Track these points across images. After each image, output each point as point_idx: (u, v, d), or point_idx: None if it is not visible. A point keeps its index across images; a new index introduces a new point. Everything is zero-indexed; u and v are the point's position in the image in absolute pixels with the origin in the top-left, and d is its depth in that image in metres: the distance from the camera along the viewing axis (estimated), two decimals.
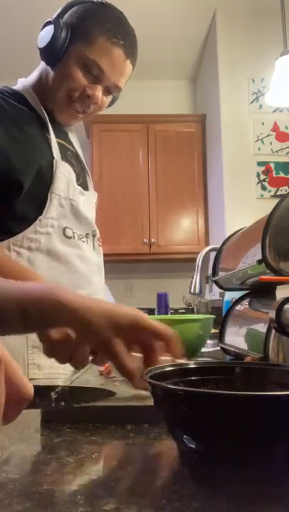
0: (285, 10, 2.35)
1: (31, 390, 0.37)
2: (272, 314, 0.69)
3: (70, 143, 1.19)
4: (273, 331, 0.76)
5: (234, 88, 3.31)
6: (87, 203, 1.14)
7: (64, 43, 1.02)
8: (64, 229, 1.04)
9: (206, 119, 3.85)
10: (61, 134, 1.13)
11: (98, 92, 1.06)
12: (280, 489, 0.36)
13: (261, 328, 0.88)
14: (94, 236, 1.13)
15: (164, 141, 3.88)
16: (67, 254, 1.03)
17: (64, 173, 1.05)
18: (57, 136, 1.09)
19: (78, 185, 1.11)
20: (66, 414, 0.57)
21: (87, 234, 1.11)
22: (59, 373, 0.98)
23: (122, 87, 1.11)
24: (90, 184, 1.22)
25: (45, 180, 1.01)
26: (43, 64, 1.09)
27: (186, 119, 4.01)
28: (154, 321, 0.54)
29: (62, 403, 0.52)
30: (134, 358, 0.53)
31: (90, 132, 3.88)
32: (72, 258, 1.04)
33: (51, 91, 1.07)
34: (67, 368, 0.96)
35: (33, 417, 0.61)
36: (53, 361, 0.57)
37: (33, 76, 1.12)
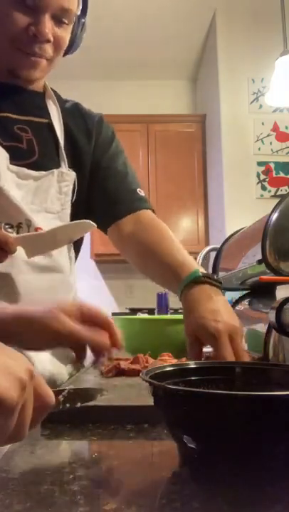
0: (285, 10, 2.36)
1: (53, 399, 0.41)
2: (272, 314, 0.69)
3: (33, 113, 0.99)
4: (273, 331, 0.76)
5: (234, 88, 3.32)
6: (37, 186, 0.94)
7: None
8: None
9: (206, 119, 3.86)
10: (11, 104, 0.96)
11: (44, 25, 0.86)
12: (280, 489, 0.36)
13: (261, 328, 0.88)
14: (29, 227, 0.91)
15: (164, 141, 3.88)
16: None
17: None
18: None
19: (25, 165, 0.92)
20: (66, 414, 0.57)
21: (19, 223, 0.90)
22: None
23: (75, 10, 0.91)
24: (64, 162, 0.99)
25: None
26: None
27: (186, 119, 4.01)
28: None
29: (68, 405, 0.53)
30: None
31: None
32: None
33: None
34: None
35: None
36: None
37: None
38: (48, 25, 0.86)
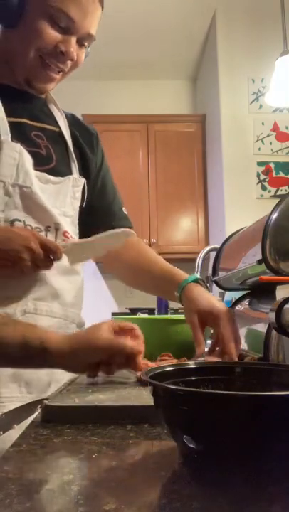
0: (285, 10, 2.35)
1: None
2: (272, 315, 0.69)
3: (46, 120, 1.04)
4: (273, 331, 0.76)
5: (234, 88, 3.32)
6: (57, 190, 0.98)
7: None
8: (12, 222, 0.89)
9: (206, 119, 3.86)
10: (27, 111, 1.00)
11: (72, 46, 0.93)
12: (280, 489, 0.36)
13: (261, 328, 0.88)
14: (57, 230, 0.96)
15: (164, 141, 3.88)
16: None
17: (11, 155, 0.90)
18: (15, 115, 0.96)
19: (45, 170, 0.96)
20: (66, 414, 0.58)
21: (48, 227, 0.94)
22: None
23: (95, 35, 0.97)
24: (75, 169, 1.05)
25: None
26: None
27: (186, 119, 4.01)
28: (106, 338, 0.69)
29: (1, 432, 0.56)
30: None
31: None
32: None
33: (19, 57, 0.94)
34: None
35: (33, 416, 0.61)
36: None
37: None
38: (74, 46, 0.94)
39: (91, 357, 0.69)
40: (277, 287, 0.81)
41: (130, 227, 1.16)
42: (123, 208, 1.18)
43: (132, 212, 1.24)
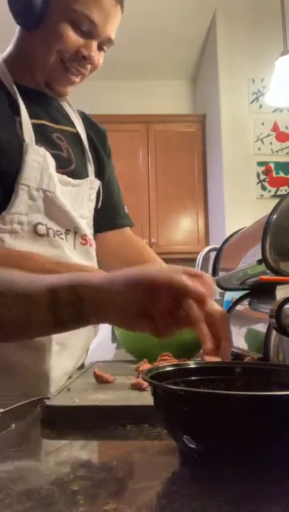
0: (285, 10, 2.35)
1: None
2: (272, 314, 0.69)
3: (63, 122, 1.04)
4: (273, 331, 0.76)
5: (234, 88, 3.32)
6: (76, 193, 0.99)
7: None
8: (36, 225, 0.90)
9: (206, 119, 3.85)
10: (46, 113, 1.00)
11: (94, 50, 0.93)
12: (280, 489, 0.36)
13: (261, 328, 0.88)
14: (76, 233, 0.97)
15: (164, 141, 3.88)
16: None
17: (36, 159, 0.89)
18: (36, 117, 0.95)
19: (65, 172, 0.96)
20: (66, 414, 0.57)
21: (67, 230, 0.95)
22: None
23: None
24: (91, 170, 1.05)
25: (9, 168, 0.88)
26: (19, 32, 0.95)
27: (186, 119, 4.01)
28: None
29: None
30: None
31: None
32: None
33: (40, 59, 0.93)
34: None
35: (33, 416, 0.61)
36: None
37: (7, 50, 0.97)
38: (96, 51, 0.94)
39: (146, 291, 0.50)
40: (277, 287, 0.81)
41: (131, 226, 1.18)
42: (125, 207, 1.20)
43: (132, 212, 1.24)
